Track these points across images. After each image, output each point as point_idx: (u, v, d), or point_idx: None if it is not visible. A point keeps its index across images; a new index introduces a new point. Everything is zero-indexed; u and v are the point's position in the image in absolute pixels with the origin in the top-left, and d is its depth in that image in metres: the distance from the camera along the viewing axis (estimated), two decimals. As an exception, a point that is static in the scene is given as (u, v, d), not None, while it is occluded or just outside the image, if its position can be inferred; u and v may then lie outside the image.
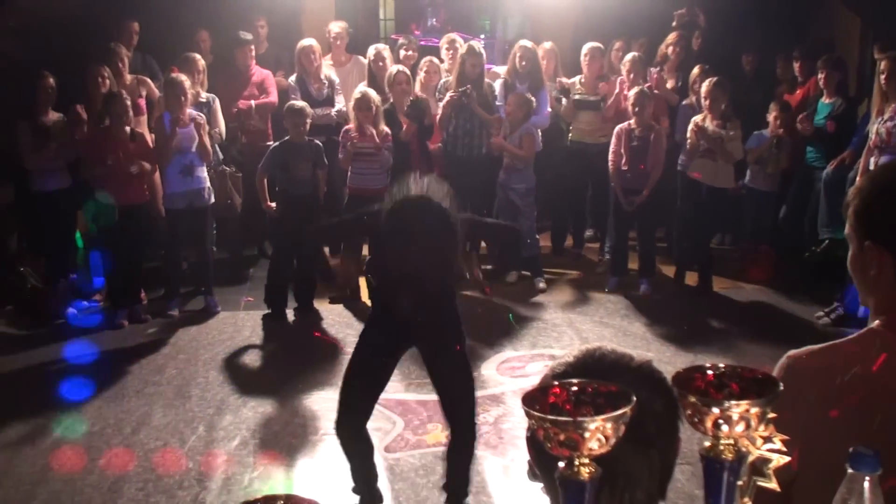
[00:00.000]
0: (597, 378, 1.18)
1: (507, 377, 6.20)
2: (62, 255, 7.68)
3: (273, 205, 7.27)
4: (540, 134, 8.22)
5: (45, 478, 4.91)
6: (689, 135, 7.75)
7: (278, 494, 1.05)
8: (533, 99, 7.96)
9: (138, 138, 7.19)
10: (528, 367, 6.38)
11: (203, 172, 7.40)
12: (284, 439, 5.36)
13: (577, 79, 8.61)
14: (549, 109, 8.35)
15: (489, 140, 7.93)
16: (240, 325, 7.24)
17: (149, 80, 8.11)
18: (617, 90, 8.34)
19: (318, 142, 7.36)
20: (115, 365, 6.44)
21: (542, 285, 8.03)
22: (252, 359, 6.70)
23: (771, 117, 8.14)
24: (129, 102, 7.10)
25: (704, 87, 7.66)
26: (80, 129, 7.38)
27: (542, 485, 1.36)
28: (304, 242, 7.23)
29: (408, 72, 8.01)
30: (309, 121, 7.26)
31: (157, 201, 7.45)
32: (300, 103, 7.41)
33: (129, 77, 7.89)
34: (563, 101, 8.54)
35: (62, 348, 6.74)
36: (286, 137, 7.30)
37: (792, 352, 1.87)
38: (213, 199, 7.54)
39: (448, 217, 3.76)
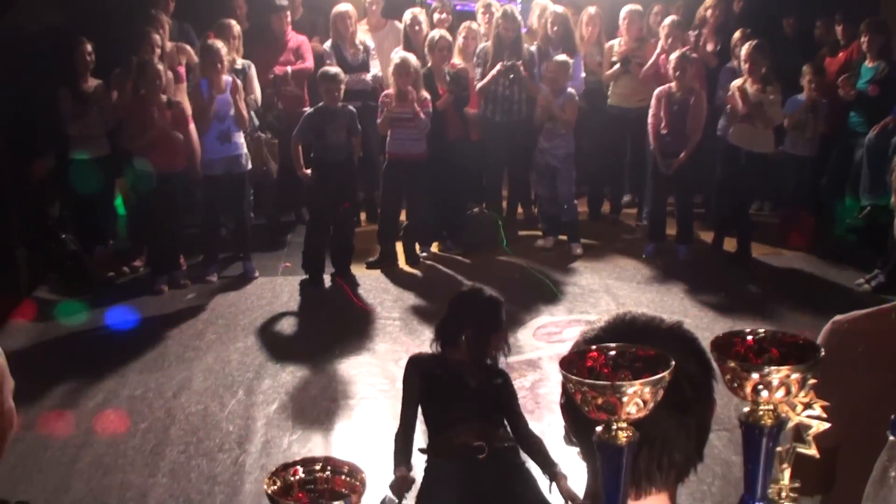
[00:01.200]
0: (629, 342, 1.17)
1: (544, 342, 6.20)
2: (102, 222, 7.77)
3: (308, 171, 7.27)
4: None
5: (90, 440, 5.00)
6: (728, 99, 7.64)
7: (316, 457, 1.06)
8: (571, 62, 7.88)
9: (174, 106, 7.21)
10: (564, 332, 6.37)
11: (240, 139, 7.41)
12: (322, 403, 5.42)
13: (615, 42, 8.50)
14: (584, 74, 8.26)
15: (529, 106, 7.88)
16: (278, 290, 7.29)
17: (188, 48, 8.10)
18: (656, 53, 8.23)
19: (351, 107, 7.32)
20: (155, 330, 6.51)
21: (578, 251, 7.98)
22: (290, 324, 6.75)
23: (805, 81, 7.99)
24: (162, 69, 7.11)
25: (744, 50, 7.54)
26: (118, 94, 7.42)
27: (578, 450, 1.36)
28: (340, 208, 7.25)
29: (450, 38, 7.95)
30: (343, 87, 7.22)
31: (195, 167, 7.48)
32: (334, 69, 7.37)
33: (169, 44, 7.90)
34: (616, 66, 8.42)
35: (103, 314, 6.83)
36: (320, 104, 7.29)
37: (838, 316, 1.84)
38: (250, 166, 7.56)
39: None
